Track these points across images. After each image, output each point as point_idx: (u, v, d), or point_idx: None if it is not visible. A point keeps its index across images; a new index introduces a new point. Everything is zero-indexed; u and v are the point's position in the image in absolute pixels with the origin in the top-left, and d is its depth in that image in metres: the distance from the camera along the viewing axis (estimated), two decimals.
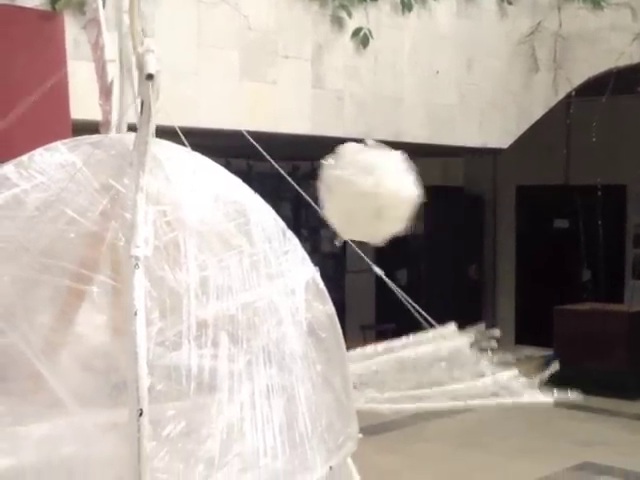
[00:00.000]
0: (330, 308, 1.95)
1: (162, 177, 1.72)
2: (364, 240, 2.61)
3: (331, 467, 1.77)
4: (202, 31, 6.23)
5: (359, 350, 2.54)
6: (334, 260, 11.03)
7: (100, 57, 2.32)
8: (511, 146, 9.07)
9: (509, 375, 2.48)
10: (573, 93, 9.07)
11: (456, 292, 10.85)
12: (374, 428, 6.78)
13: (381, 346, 2.68)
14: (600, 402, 8.05)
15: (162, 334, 1.55)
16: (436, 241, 11.05)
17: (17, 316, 1.63)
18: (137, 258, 1.51)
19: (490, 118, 8.74)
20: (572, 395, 2.54)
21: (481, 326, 2.64)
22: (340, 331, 1.97)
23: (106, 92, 2.25)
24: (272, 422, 1.67)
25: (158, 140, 1.74)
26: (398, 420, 7.66)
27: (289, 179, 2.50)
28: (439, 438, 7.22)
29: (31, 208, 1.69)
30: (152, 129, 1.59)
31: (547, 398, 2.45)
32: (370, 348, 2.67)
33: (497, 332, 2.61)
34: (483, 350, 2.58)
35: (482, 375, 2.49)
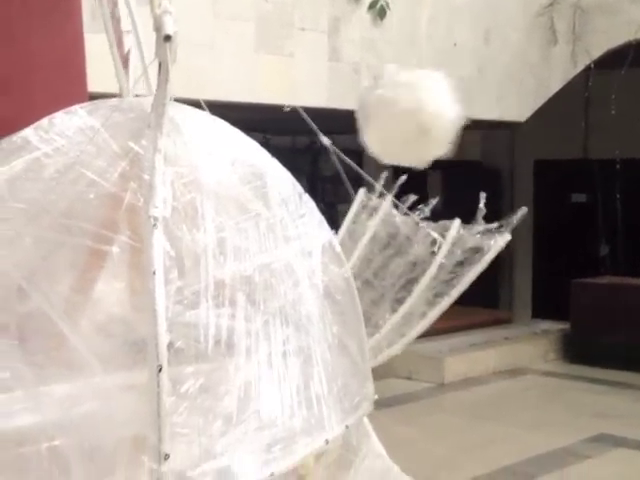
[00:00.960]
0: (346, 271, 1.97)
1: (179, 140, 1.74)
2: (406, 164, 2.60)
3: (347, 426, 1.80)
4: (218, 2, 6.22)
5: None
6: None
7: (117, 29, 2.34)
8: (529, 119, 9.04)
9: (456, 228, 2.47)
10: (592, 65, 9.02)
11: None
12: (388, 400, 6.83)
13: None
14: (616, 375, 8.07)
15: (180, 293, 1.57)
16: (453, 216, 11.05)
17: (39, 277, 1.66)
18: (155, 218, 1.53)
19: (508, 91, 8.71)
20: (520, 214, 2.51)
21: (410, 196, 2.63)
22: (356, 294, 1.99)
23: (123, 63, 2.27)
24: (289, 381, 1.69)
25: (176, 103, 1.76)
26: (413, 393, 7.71)
27: (338, 153, 2.51)
28: (454, 410, 7.27)
29: (51, 171, 1.71)
30: (169, 92, 1.61)
31: (504, 237, 2.45)
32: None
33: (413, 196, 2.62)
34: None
35: (434, 243, 2.49)
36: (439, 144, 2.44)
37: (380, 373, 2.05)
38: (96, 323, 1.76)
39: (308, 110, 7.32)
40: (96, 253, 1.65)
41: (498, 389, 8.00)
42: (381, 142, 2.41)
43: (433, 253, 2.56)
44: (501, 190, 12.11)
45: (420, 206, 2.77)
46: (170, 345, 1.50)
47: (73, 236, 1.65)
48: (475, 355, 8.48)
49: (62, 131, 1.76)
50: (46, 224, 1.66)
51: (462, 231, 2.54)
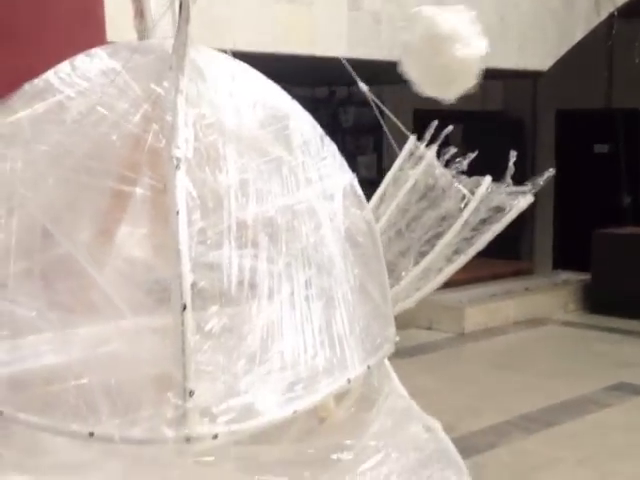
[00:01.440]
0: (368, 214, 1.98)
1: (201, 81, 1.74)
2: (439, 96, 2.61)
3: (369, 366, 1.82)
4: None
5: None
6: (371, 187, 11.01)
7: None
8: (551, 69, 8.93)
9: (486, 185, 2.49)
10: (615, 13, 8.87)
11: None
12: (409, 350, 6.87)
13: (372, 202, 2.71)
14: (636, 325, 8.08)
15: (203, 233, 1.59)
16: (474, 166, 10.98)
17: (63, 219, 1.68)
18: (178, 159, 1.54)
19: (530, 40, 8.60)
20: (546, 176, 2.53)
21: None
22: (378, 237, 2.00)
23: (140, 13, 2.26)
24: (311, 322, 1.71)
25: (197, 45, 1.76)
26: (434, 343, 7.76)
27: (380, 105, 2.51)
28: (475, 360, 7.31)
29: (74, 113, 1.72)
30: (190, 32, 1.61)
31: (527, 198, 2.47)
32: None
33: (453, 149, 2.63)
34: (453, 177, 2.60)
35: (463, 199, 2.50)
36: (466, 77, 2.46)
37: (401, 323, 2.05)
38: (119, 267, 1.78)
39: (327, 60, 7.29)
40: (119, 194, 1.67)
41: (518, 339, 8.04)
42: (421, 73, 2.43)
43: (461, 209, 2.56)
44: (523, 141, 12.02)
45: (459, 159, 2.76)
46: (194, 285, 1.52)
47: (96, 178, 1.66)
48: (495, 305, 8.50)
49: (84, 74, 1.76)
50: (69, 166, 1.68)
51: (491, 189, 2.53)
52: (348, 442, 1.91)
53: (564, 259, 10.85)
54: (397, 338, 2.02)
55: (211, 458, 1.77)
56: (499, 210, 2.53)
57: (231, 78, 1.85)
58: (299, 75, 8.34)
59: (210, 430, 1.52)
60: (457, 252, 2.52)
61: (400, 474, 1.83)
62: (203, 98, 1.71)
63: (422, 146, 2.83)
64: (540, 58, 8.73)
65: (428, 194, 2.72)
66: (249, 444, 1.82)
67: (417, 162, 2.86)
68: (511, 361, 7.16)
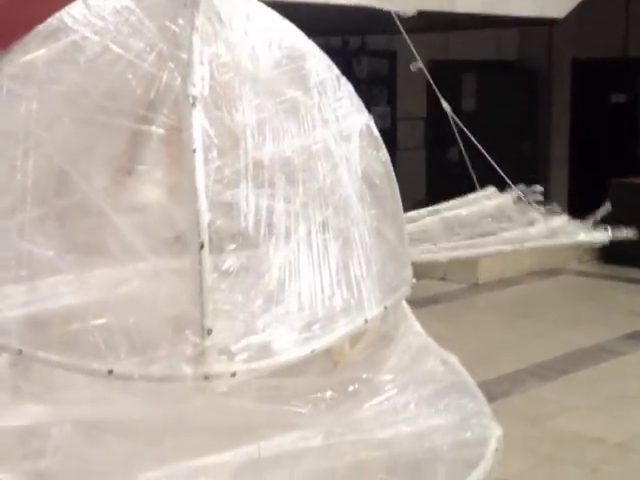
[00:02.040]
0: (384, 155, 1.96)
1: (216, 20, 1.71)
2: None
3: (386, 307, 1.82)
4: None
5: (405, 214, 2.56)
6: (385, 137, 10.88)
7: None
8: (567, 16, 8.79)
9: (561, 220, 2.49)
10: None
11: (508, 168, 10.75)
12: (423, 300, 6.88)
13: (425, 210, 2.70)
14: None
15: (220, 172, 1.58)
16: (489, 117, 10.89)
17: (79, 160, 1.67)
18: (194, 97, 1.53)
19: None
20: (628, 233, 2.55)
21: (521, 186, 2.64)
22: (394, 178, 1.99)
23: None
24: (328, 262, 1.71)
25: None
26: (448, 293, 7.77)
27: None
28: (489, 309, 7.32)
29: (88, 53, 1.70)
30: None
31: (602, 235, 2.47)
32: (413, 212, 2.69)
33: (539, 188, 2.61)
34: (529, 204, 2.59)
35: (533, 223, 2.50)
36: None
37: (415, 274, 2.05)
38: (135, 211, 1.77)
39: (338, 8, 7.20)
40: (135, 134, 1.66)
41: (533, 289, 8.03)
42: None
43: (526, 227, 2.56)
44: (538, 91, 11.89)
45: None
46: (211, 223, 1.52)
47: (112, 117, 1.65)
48: (510, 256, 8.47)
49: (97, 12, 1.75)
50: (85, 106, 1.67)
51: (566, 224, 2.53)
52: (365, 376, 1.93)
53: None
54: (414, 280, 2.02)
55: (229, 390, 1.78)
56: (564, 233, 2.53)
57: (246, 17, 1.82)
58: (312, 24, 8.25)
59: (228, 368, 1.53)
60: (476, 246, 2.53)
61: (417, 403, 1.83)
62: (219, 37, 1.69)
63: (497, 195, 2.76)
64: (556, 5, 8.60)
65: (494, 215, 2.69)
66: (269, 377, 1.83)
67: (492, 197, 2.80)
68: (525, 311, 7.17)
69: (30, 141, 1.67)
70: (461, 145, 2.87)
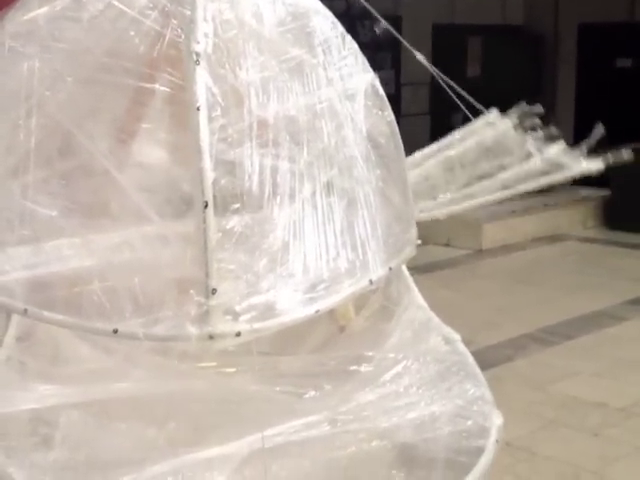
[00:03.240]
0: (389, 115, 1.95)
1: None
2: None
3: (391, 268, 1.81)
4: None
5: (408, 159, 2.54)
6: (389, 103, 10.85)
7: None
8: None
9: (556, 149, 2.46)
10: None
11: None
12: (427, 266, 6.88)
13: (428, 149, 2.68)
14: None
15: (224, 131, 1.56)
16: (494, 83, 10.82)
17: (83, 119, 1.66)
18: (197, 54, 1.52)
19: None
20: (625, 154, 2.52)
21: (523, 106, 2.61)
22: (399, 138, 1.98)
23: None
24: (333, 223, 1.70)
25: None
26: (452, 259, 7.76)
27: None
28: (493, 275, 7.31)
29: (91, 10, 1.68)
30: None
31: (597, 163, 2.45)
32: (418, 154, 2.67)
33: (539, 108, 2.59)
34: (528, 129, 2.57)
35: (530, 156, 2.48)
36: None
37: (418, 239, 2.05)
38: (139, 172, 1.76)
39: None
40: (139, 92, 1.64)
41: (537, 255, 8.02)
42: None
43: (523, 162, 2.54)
44: (543, 55, 11.81)
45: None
46: (215, 182, 1.51)
47: (115, 75, 1.63)
48: (514, 222, 8.46)
49: None
50: (88, 64, 1.65)
51: (562, 152, 2.50)
52: (368, 354, 1.93)
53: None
54: (419, 242, 2.01)
55: (233, 369, 1.79)
56: (559, 166, 2.51)
57: None
58: None
59: (233, 328, 1.52)
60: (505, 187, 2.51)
61: (419, 386, 1.84)
62: None
63: (499, 119, 2.73)
64: None
65: (493, 149, 2.66)
66: (270, 354, 1.84)
67: (488, 125, 2.77)
68: (529, 276, 7.16)
69: (33, 100, 1.66)
70: (463, 108, 2.84)
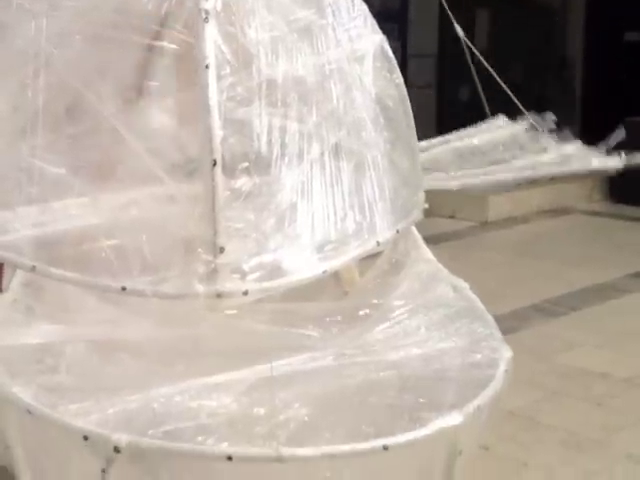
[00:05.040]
0: (398, 77, 1.94)
1: None
2: None
3: (398, 230, 1.82)
4: None
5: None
6: None
7: None
8: None
9: (573, 147, 2.47)
10: None
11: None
12: (432, 238, 6.86)
13: (435, 140, 2.68)
14: None
15: (233, 89, 1.56)
16: (501, 54, 10.76)
17: (91, 75, 1.65)
18: (206, 11, 1.51)
19: None
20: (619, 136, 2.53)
21: (534, 115, 2.61)
22: (408, 101, 1.97)
23: None
24: (341, 184, 1.70)
25: None
26: (457, 231, 7.75)
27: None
28: (498, 247, 7.29)
29: None
30: None
31: (616, 161, 2.45)
32: (423, 143, 2.67)
33: (552, 116, 2.59)
34: (541, 131, 2.57)
35: (545, 151, 2.49)
36: None
37: (423, 212, 2.04)
38: (148, 131, 1.76)
39: None
40: (147, 50, 1.64)
41: (542, 228, 7.99)
42: None
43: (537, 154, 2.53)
44: (551, 28, 11.73)
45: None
46: (224, 140, 1.51)
47: (123, 32, 1.63)
48: (519, 194, 8.43)
49: None
50: (96, 21, 1.64)
51: (579, 151, 2.51)
52: (376, 301, 1.93)
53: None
54: (426, 205, 2.02)
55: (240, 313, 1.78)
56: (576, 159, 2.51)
57: None
58: None
59: (240, 286, 1.53)
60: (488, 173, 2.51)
61: (428, 327, 1.84)
62: None
63: (508, 125, 2.71)
64: None
65: (507, 143, 2.66)
66: (280, 301, 1.83)
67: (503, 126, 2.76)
68: (534, 249, 7.14)
69: (40, 59, 1.65)
70: (475, 78, 2.83)
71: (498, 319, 5.58)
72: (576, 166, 2.50)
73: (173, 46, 1.60)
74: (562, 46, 11.76)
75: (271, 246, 1.58)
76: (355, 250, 1.69)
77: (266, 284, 1.55)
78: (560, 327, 5.25)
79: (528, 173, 2.46)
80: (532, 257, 6.87)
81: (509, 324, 5.18)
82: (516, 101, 2.66)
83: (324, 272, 1.63)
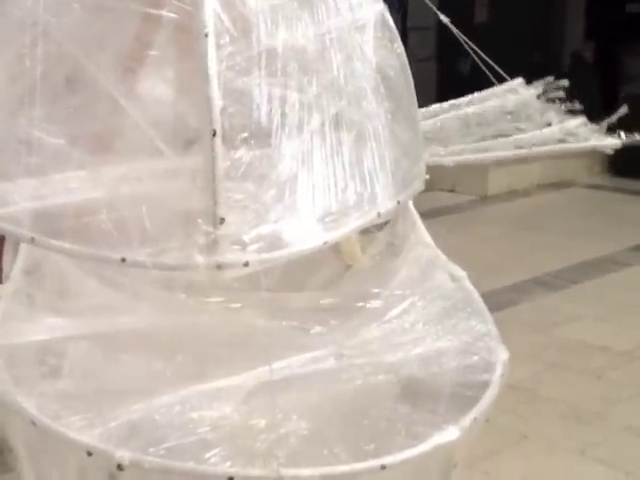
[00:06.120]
0: (399, 47, 1.92)
1: None
2: None
3: (399, 201, 1.81)
4: None
5: (423, 109, 2.52)
6: None
7: None
8: None
9: (577, 122, 2.46)
10: None
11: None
12: (432, 212, 6.86)
13: (446, 103, 2.66)
14: None
15: (232, 58, 1.55)
16: (501, 28, 10.69)
17: (89, 44, 1.64)
18: None
19: None
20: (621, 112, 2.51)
21: (549, 79, 2.59)
22: (409, 71, 1.96)
23: None
24: (341, 155, 1.69)
25: None
26: (457, 204, 7.76)
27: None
28: (498, 221, 7.30)
29: None
30: None
31: (614, 141, 2.44)
32: (435, 106, 2.66)
33: (565, 82, 2.57)
34: (551, 101, 2.55)
35: (549, 124, 2.47)
36: None
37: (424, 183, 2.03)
38: (146, 105, 1.74)
39: None
40: (147, 19, 1.62)
41: (542, 201, 8.00)
42: None
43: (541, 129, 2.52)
44: (552, 1, 11.65)
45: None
46: (223, 110, 1.49)
47: (122, 1, 1.61)
48: (519, 168, 8.41)
49: None
50: None
51: (583, 126, 2.48)
52: (374, 290, 1.93)
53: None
54: (427, 176, 2.01)
55: (239, 305, 1.79)
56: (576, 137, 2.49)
57: None
58: None
59: (241, 258, 1.52)
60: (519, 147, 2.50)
61: (426, 322, 1.85)
62: None
63: (523, 88, 2.69)
64: None
65: (514, 113, 2.64)
66: (276, 291, 1.84)
67: (511, 92, 2.74)
68: (534, 222, 7.15)
69: (38, 28, 1.64)
70: (473, 55, 2.81)
71: (498, 292, 5.60)
72: (573, 146, 2.48)
73: (172, 15, 1.58)
74: (563, 18, 11.67)
75: (271, 217, 1.57)
76: (356, 221, 1.68)
77: (266, 255, 1.54)
78: (560, 300, 5.26)
79: (526, 152, 2.44)
80: (532, 231, 6.88)
81: (509, 297, 5.21)
82: (500, 75, 2.64)
83: (325, 243, 1.63)
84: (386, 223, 2.08)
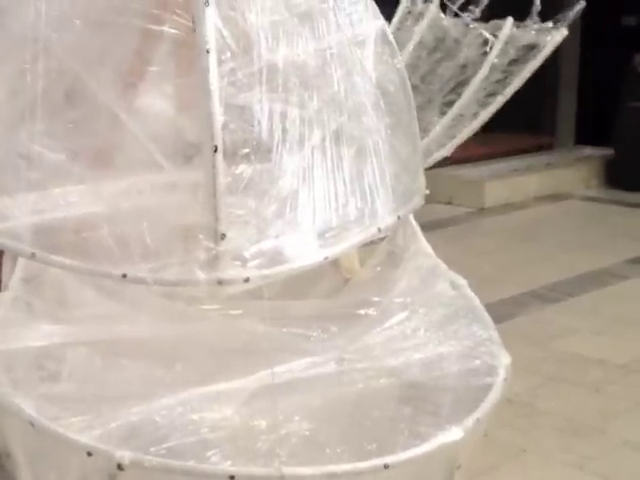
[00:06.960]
0: (399, 62, 1.93)
1: None
2: None
3: (399, 217, 1.81)
4: None
5: None
6: None
7: None
8: None
9: (507, 24, 2.43)
10: None
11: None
12: (429, 224, 6.86)
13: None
14: None
15: (233, 74, 1.55)
16: (502, 14, 10.70)
17: (90, 60, 1.64)
18: None
19: None
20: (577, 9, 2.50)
21: None
22: (409, 86, 1.96)
23: None
24: (342, 170, 1.69)
25: None
26: (454, 217, 7.76)
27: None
28: (495, 233, 7.31)
29: None
30: None
31: (561, 33, 2.42)
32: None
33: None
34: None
35: (485, 43, 2.47)
36: None
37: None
38: (146, 120, 1.74)
39: None
40: (148, 34, 1.62)
41: (539, 213, 8.01)
42: None
43: (484, 54, 2.50)
44: (545, 10, 11.69)
45: (470, 7, 2.68)
46: (224, 126, 1.49)
47: (123, 16, 1.61)
48: (516, 180, 8.43)
49: None
50: (96, 5, 1.63)
51: (515, 29, 2.48)
52: (375, 299, 1.93)
53: (587, 134, 10.70)
54: (427, 191, 2.01)
55: (239, 312, 1.79)
56: (531, 48, 2.48)
57: None
58: None
59: (241, 273, 1.52)
60: (490, 95, 2.48)
61: (427, 329, 1.85)
62: None
63: (419, 2, 2.72)
64: None
65: (439, 46, 2.66)
66: (277, 299, 1.84)
67: (418, 18, 2.77)
68: (531, 235, 7.15)
69: (39, 43, 1.64)
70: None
71: (496, 305, 5.60)
72: (531, 66, 2.46)
73: (174, 31, 1.58)
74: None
75: (272, 233, 1.57)
76: (357, 236, 1.68)
77: (267, 271, 1.54)
78: (557, 313, 5.26)
79: (500, 100, 2.42)
80: (529, 243, 6.88)
81: (506, 310, 5.20)
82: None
83: (325, 258, 1.63)
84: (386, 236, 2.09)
